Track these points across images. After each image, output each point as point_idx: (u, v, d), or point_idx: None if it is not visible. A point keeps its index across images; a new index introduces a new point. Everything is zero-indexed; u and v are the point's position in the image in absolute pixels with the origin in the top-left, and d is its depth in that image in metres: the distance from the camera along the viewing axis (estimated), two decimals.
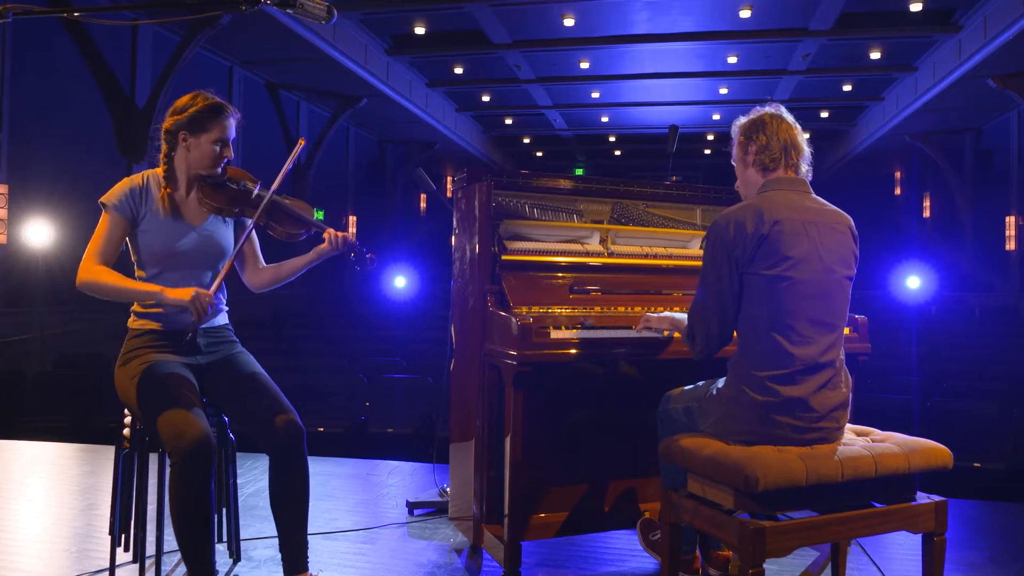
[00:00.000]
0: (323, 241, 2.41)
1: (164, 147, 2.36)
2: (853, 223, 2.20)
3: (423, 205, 23.73)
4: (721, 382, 2.16)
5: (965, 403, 6.07)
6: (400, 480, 3.84)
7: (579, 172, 25.96)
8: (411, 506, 3.29)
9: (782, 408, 1.98)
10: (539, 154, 25.41)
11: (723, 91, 16.92)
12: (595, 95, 17.56)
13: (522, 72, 15.34)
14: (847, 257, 2.13)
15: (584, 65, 14.97)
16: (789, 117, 2.24)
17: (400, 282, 9.88)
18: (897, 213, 21.89)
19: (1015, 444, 5.01)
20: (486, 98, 18.09)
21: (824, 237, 2.08)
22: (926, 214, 20.74)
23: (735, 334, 2.15)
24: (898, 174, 22.53)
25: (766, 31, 12.79)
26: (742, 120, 2.28)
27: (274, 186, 2.39)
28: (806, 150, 2.22)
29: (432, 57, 14.41)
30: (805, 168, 2.21)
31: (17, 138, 8.65)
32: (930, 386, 6.59)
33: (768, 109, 2.25)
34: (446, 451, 3.63)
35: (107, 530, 2.97)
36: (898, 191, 22.59)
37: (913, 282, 10.00)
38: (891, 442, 2.07)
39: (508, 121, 20.97)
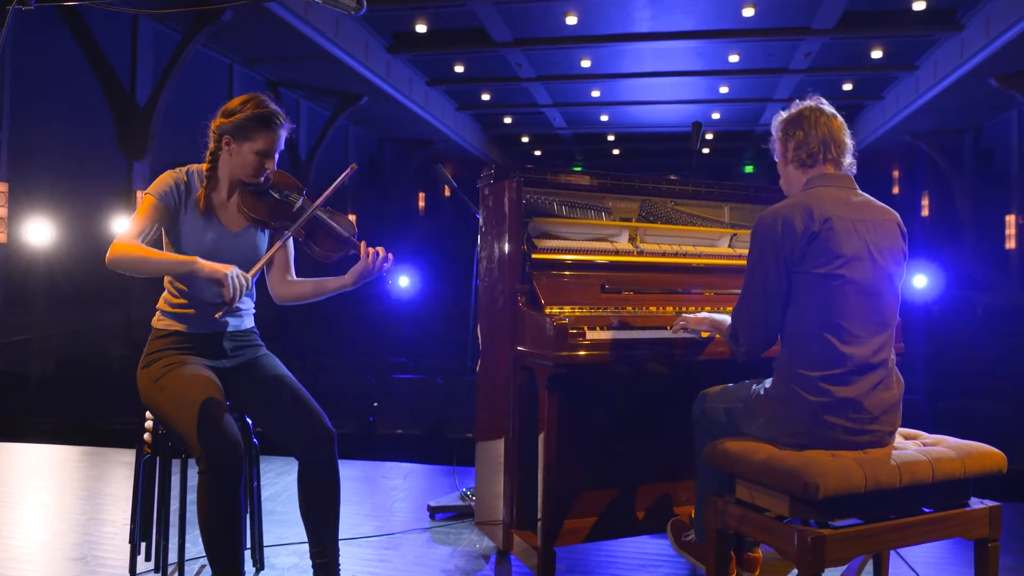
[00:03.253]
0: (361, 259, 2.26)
1: (211, 145, 2.27)
2: (901, 219, 2.14)
3: (422, 204, 23.64)
4: (768, 383, 2.09)
5: (978, 403, 6.03)
6: (416, 483, 3.77)
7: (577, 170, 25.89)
8: (432, 510, 3.22)
9: (835, 409, 1.93)
10: (537, 153, 25.35)
11: (723, 90, 16.88)
12: (595, 94, 17.50)
13: (523, 70, 15.27)
14: (897, 254, 2.07)
15: (585, 64, 14.91)
16: (829, 109, 2.17)
17: (403, 281, 9.79)
18: (896, 212, 21.88)
19: None
20: (486, 97, 18.01)
21: (874, 234, 2.03)
22: (925, 213, 20.74)
23: (779, 335, 2.09)
24: (896, 173, 22.53)
25: (769, 29, 12.73)
26: (781, 115, 2.21)
27: (318, 201, 2.28)
28: (848, 143, 2.15)
29: (433, 55, 14.32)
30: (848, 161, 2.15)
31: (17, 136, 8.54)
32: (940, 386, 6.55)
33: (808, 102, 2.18)
34: (467, 454, 3.56)
35: (118, 536, 2.90)
36: (896, 190, 22.58)
37: (920, 281, 9.96)
38: (945, 446, 2.01)
39: (507, 120, 20.90)
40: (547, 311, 2.43)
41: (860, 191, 2.13)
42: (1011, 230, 14.82)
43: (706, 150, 23.65)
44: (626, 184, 2.86)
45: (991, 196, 16.12)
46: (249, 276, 2.07)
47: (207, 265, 2.03)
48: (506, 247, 2.58)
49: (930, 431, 2.21)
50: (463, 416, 5.85)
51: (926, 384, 6.38)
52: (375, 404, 6.58)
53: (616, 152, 25.10)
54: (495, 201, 2.67)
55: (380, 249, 2.26)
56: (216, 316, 2.07)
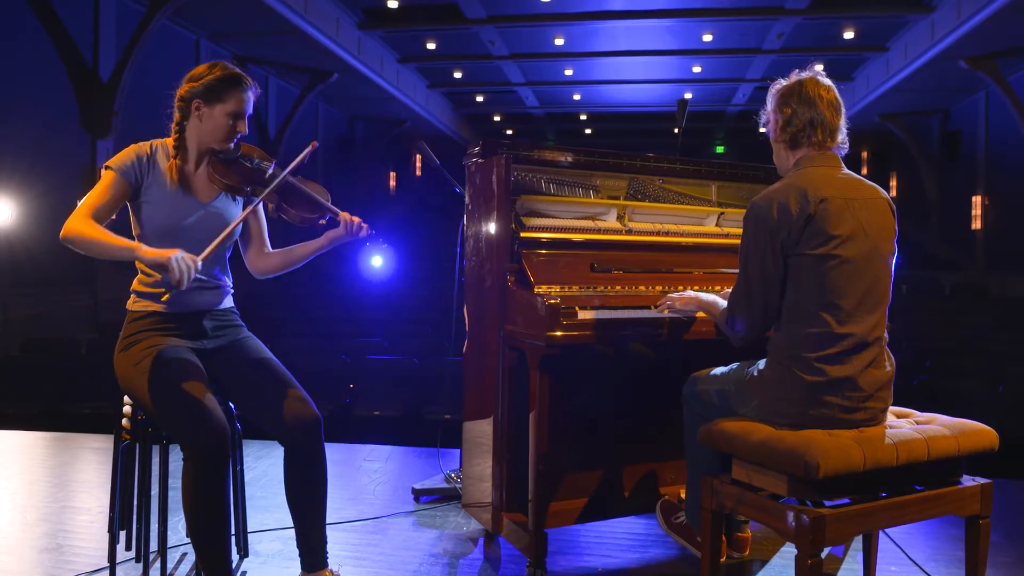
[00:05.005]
0: (338, 226, 2.28)
1: (176, 115, 2.20)
2: (890, 198, 2.12)
3: (392, 184, 23.40)
4: (762, 364, 2.07)
5: (949, 380, 6.13)
6: (398, 465, 3.72)
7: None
8: (417, 493, 3.17)
9: (831, 388, 1.92)
10: (509, 132, 25.21)
11: (696, 70, 16.90)
12: (568, 72, 17.41)
13: (496, 48, 15.12)
14: (889, 232, 2.06)
15: (559, 42, 14.79)
16: (825, 83, 2.10)
17: (377, 261, 9.66)
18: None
19: (1006, 419, 5.05)
20: (458, 75, 17.82)
21: (866, 213, 2.01)
22: (893, 194, 21.05)
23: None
24: (865, 154, 22.82)
25: (743, 9, 12.74)
26: (775, 87, 2.16)
27: (290, 167, 2.24)
28: (838, 123, 2.09)
29: (405, 32, 14.11)
30: (839, 139, 2.10)
31: None
32: (911, 363, 6.65)
33: (803, 75, 2.12)
34: (450, 435, 3.52)
35: (95, 525, 2.82)
36: (865, 171, 22.87)
37: None
38: (938, 424, 2.02)
39: (479, 99, 20.73)
40: (536, 290, 2.38)
41: (847, 170, 2.10)
42: (977, 210, 15.09)
43: (676, 130, 23.65)
44: (614, 162, 2.81)
45: (958, 177, 16.39)
46: (199, 259, 1.98)
47: (149, 251, 1.97)
48: (494, 226, 2.52)
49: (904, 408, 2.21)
50: (442, 397, 5.81)
51: (898, 361, 6.48)
52: (351, 386, 6.50)
53: (588, 132, 25.06)
54: (482, 179, 2.61)
55: (357, 219, 2.30)
56: (163, 299, 2.04)
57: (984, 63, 12.52)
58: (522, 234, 2.51)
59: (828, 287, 1.94)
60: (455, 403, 4.81)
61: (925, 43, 12.71)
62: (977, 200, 15.16)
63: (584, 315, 2.28)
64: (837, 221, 1.95)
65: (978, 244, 15.23)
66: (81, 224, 1.99)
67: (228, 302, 2.32)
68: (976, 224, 15.18)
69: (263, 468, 3.56)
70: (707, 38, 14.37)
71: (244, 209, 2.31)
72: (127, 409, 2.23)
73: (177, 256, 1.91)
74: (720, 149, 25.97)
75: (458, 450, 3.60)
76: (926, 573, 2.48)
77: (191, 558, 2.50)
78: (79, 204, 2.09)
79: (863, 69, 16.12)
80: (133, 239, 2.20)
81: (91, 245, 1.98)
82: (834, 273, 1.94)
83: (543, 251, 2.53)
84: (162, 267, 1.93)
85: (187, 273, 1.92)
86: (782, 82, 2.12)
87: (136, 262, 2.19)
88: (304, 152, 2.27)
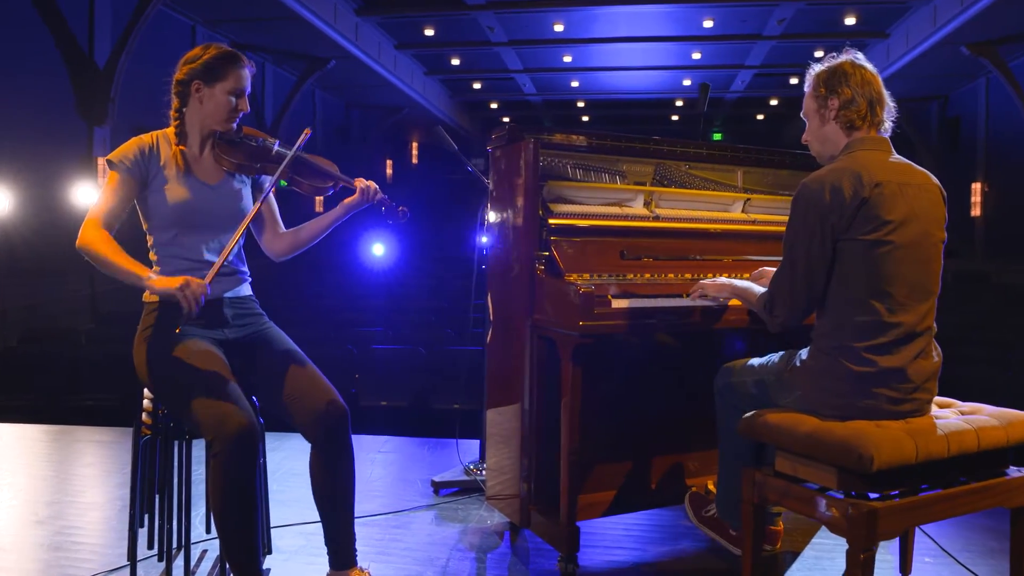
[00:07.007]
0: (351, 194, 2.24)
1: (175, 102, 2.15)
2: (941, 184, 2.07)
3: (389, 172, 23.25)
4: (804, 353, 2.02)
5: (959, 368, 6.11)
6: (411, 458, 3.66)
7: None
8: (436, 486, 3.12)
9: (879, 379, 1.86)
10: (506, 119, 25.04)
11: (696, 56, 16.78)
12: (567, 59, 17.26)
13: (494, 34, 14.96)
14: (940, 220, 2.01)
15: (558, 28, 14.65)
16: (870, 66, 2.08)
17: (379, 250, 9.59)
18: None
19: (1020, 406, 5.02)
20: (456, 61, 17.65)
21: (919, 199, 1.95)
22: None
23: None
24: None
25: None
26: (819, 68, 2.10)
27: (298, 143, 2.20)
28: (890, 103, 2.07)
29: (402, 18, 13.94)
30: (889, 124, 2.07)
31: None
32: None
33: (848, 57, 2.08)
34: (469, 427, 3.46)
35: (110, 521, 2.76)
36: None
37: None
38: (985, 414, 1.97)
39: (477, 86, 20.57)
40: (567, 278, 2.32)
41: (897, 155, 2.05)
42: (977, 197, 15.06)
43: (675, 117, 23.58)
44: (640, 146, 2.74)
45: (957, 164, 16.34)
46: (204, 281, 1.92)
47: (157, 282, 1.92)
48: (522, 212, 2.45)
49: None
50: (450, 387, 5.75)
51: None
52: (356, 376, 6.43)
53: (586, 119, 24.92)
54: (508, 164, 2.54)
55: (373, 185, 2.25)
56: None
57: (986, 49, 12.44)
58: (550, 220, 2.45)
59: (879, 274, 1.88)
60: (466, 393, 4.75)
61: (927, 29, 12.61)
62: (977, 187, 15.12)
63: (618, 304, 2.22)
64: (891, 206, 1.89)
65: (977, 231, 15.20)
66: (97, 236, 1.97)
67: (247, 290, 2.25)
68: (976, 211, 15.15)
69: (277, 461, 3.49)
70: (707, 24, 14.24)
71: (253, 189, 2.27)
72: (147, 403, 2.16)
73: (183, 285, 1.86)
74: (718, 136, 25.87)
75: (474, 441, 3.55)
76: (961, 564, 2.45)
77: (212, 555, 2.44)
78: (92, 208, 2.04)
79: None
80: (145, 236, 2.15)
81: (104, 263, 1.95)
82: (885, 260, 1.88)
83: (572, 238, 2.46)
84: (171, 297, 1.88)
85: (196, 299, 1.87)
86: (825, 65, 2.07)
87: (151, 255, 2.14)
88: (300, 138, 2.20)
